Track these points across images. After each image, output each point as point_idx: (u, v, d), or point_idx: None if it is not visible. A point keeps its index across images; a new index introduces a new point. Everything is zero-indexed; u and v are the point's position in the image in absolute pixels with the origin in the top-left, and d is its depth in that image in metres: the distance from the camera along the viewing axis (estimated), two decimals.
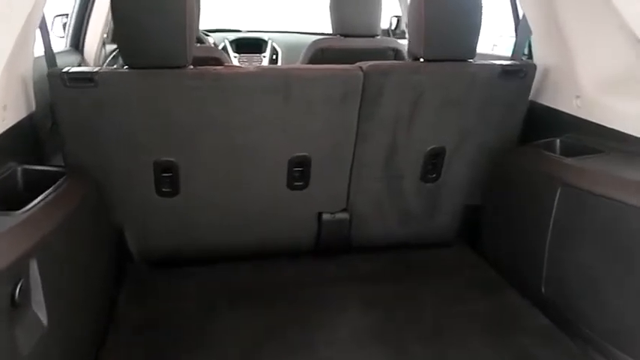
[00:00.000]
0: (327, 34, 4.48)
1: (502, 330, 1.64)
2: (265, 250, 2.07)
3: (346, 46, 3.04)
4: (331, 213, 2.08)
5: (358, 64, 1.87)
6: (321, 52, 3.02)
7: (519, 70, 1.93)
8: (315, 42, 3.10)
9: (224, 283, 1.92)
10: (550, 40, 1.96)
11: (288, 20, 5.13)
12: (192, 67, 1.73)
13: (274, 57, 4.32)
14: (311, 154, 1.91)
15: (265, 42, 4.33)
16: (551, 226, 1.66)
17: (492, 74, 1.92)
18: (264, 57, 4.28)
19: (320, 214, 2.07)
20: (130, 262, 1.99)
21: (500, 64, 1.93)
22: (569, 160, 1.68)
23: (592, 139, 1.80)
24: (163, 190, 1.86)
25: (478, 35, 1.90)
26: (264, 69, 1.80)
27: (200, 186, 1.89)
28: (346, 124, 1.89)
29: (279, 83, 1.76)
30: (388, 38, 3.28)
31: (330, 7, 3.11)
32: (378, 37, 3.14)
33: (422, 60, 1.91)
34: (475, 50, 1.91)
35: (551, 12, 1.90)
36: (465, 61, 1.92)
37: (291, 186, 1.96)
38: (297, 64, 1.91)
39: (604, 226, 1.50)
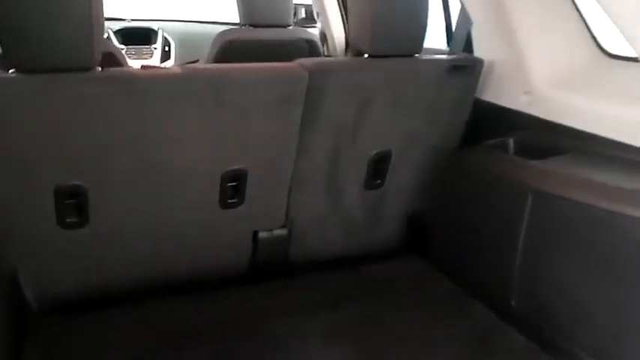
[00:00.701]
0: (226, 23, 4.17)
1: (479, 351, 1.50)
2: (196, 281, 1.76)
3: (257, 37, 2.78)
4: (268, 230, 1.83)
5: (298, 61, 1.62)
6: (229, 45, 2.72)
7: (467, 66, 1.80)
8: (222, 34, 2.79)
9: (153, 326, 1.59)
10: (494, 31, 1.84)
11: (178, 7, 4.69)
12: (99, 69, 1.38)
13: (167, 49, 3.91)
14: (247, 167, 1.64)
15: (155, 32, 3.89)
16: (522, 235, 1.54)
17: (441, 70, 1.77)
18: (154, 49, 3.85)
19: (256, 233, 1.81)
20: (28, 313, 1.58)
21: (448, 59, 1.78)
22: (538, 164, 1.57)
23: (546, 137, 1.71)
24: (67, 220, 1.49)
25: (426, 28, 1.73)
26: (190, 70, 1.49)
27: (114, 213, 1.54)
28: (287, 132, 1.64)
29: (209, 86, 1.46)
30: (300, 29, 3.04)
31: None
32: (290, 28, 2.90)
33: (366, 56, 1.71)
34: (422, 44, 1.75)
35: (494, 1, 1.78)
36: (412, 56, 1.74)
37: (224, 204, 1.68)
38: (234, 64, 1.60)
39: (582, 235, 1.41)
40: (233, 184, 1.66)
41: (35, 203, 1.44)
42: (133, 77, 1.40)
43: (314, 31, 3.25)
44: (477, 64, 1.82)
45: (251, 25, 2.80)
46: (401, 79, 1.74)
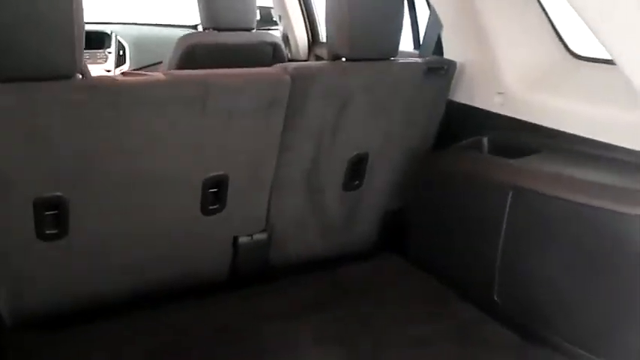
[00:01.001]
0: (181, 26, 4.09)
1: (467, 346, 1.54)
2: (178, 289, 1.72)
3: (221, 41, 2.74)
4: (249, 235, 1.81)
5: (279, 66, 1.62)
6: (193, 49, 2.67)
7: (441, 68, 1.84)
8: (185, 37, 2.73)
9: (137, 337, 1.53)
10: (465, 35, 1.89)
11: (130, 10, 4.57)
12: (80, 76, 1.33)
13: (121, 53, 3.79)
14: (229, 173, 1.62)
15: (109, 36, 3.77)
16: (503, 232, 1.58)
17: (416, 73, 1.80)
18: (109, 53, 3.73)
19: (236, 238, 1.79)
20: (2, 329, 1.50)
21: (423, 62, 1.82)
22: (517, 162, 1.62)
23: (518, 136, 1.77)
24: (47, 232, 1.43)
25: (401, 31, 1.76)
26: (175, 76, 1.46)
27: (95, 223, 1.49)
28: (269, 137, 1.63)
29: (194, 93, 1.44)
30: (263, 32, 3.02)
31: None
32: (254, 31, 2.88)
33: (344, 59, 1.72)
34: (398, 48, 1.78)
35: (465, 5, 1.83)
36: (388, 59, 1.77)
37: (205, 211, 1.65)
38: (219, 70, 1.57)
39: (562, 229, 1.46)
40: (214, 190, 1.64)
41: (13, 216, 1.37)
42: (116, 85, 1.36)
43: (275, 34, 3.25)
44: (450, 66, 1.87)
45: (214, 29, 2.76)
46: (378, 82, 1.76)
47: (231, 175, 1.63)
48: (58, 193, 1.39)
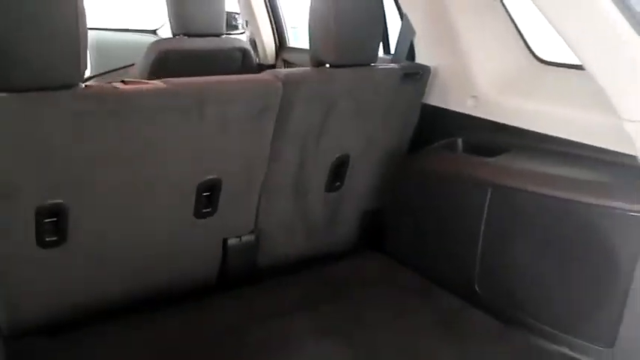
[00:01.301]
0: (142, 31, 4.06)
1: (454, 335, 1.64)
2: (172, 292, 1.74)
3: (193, 47, 2.77)
4: (238, 237, 1.86)
5: (270, 72, 1.68)
6: (165, 55, 2.69)
7: (417, 73, 1.94)
8: (157, 43, 2.76)
9: (136, 342, 1.55)
10: (437, 41, 2.00)
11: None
12: (83, 85, 1.35)
13: None
14: (222, 177, 1.67)
15: None
16: (482, 226, 1.70)
17: (394, 78, 1.89)
18: None
19: (225, 240, 1.83)
20: (0, 337, 1.49)
21: (400, 68, 1.92)
22: (494, 161, 1.74)
23: (490, 137, 1.89)
24: (47, 239, 1.44)
25: (380, 38, 1.86)
26: (175, 84, 1.49)
27: (93, 229, 1.51)
28: (261, 141, 1.69)
29: (193, 100, 1.48)
30: (232, 37, 3.07)
31: (168, 3, 2.79)
32: (224, 37, 2.92)
33: (328, 66, 1.80)
34: (377, 54, 1.87)
35: (437, 12, 1.94)
36: (369, 65, 1.86)
37: (198, 214, 1.69)
38: (214, 77, 1.61)
39: (538, 221, 1.59)
40: (207, 194, 1.68)
41: (15, 224, 1.37)
42: (118, 94, 1.38)
43: (241, 38, 3.29)
44: (425, 71, 1.97)
45: (185, 35, 2.79)
46: (360, 87, 1.85)
47: (225, 179, 1.67)
48: (59, 201, 1.40)
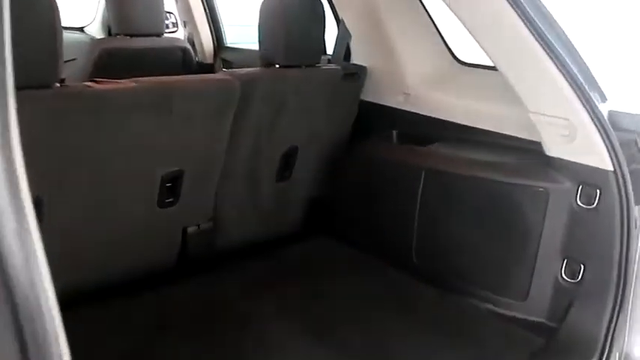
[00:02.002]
0: (69, 28, 4.03)
1: (399, 305, 1.85)
2: (134, 279, 1.85)
3: (134, 46, 2.86)
4: (197, 225, 2.01)
5: (229, 72, 1.85)
6: (107, 54, 2.76)
7: (355, 73, 2.18)
8: (98, 42, 2.83)
9: (104, 335, 1.61)
10: (371, 43, 2.25)
11: None
12: (58, 85, 1.45)
13: None
14: (184, 168, 1.82)
15: None
16: (418, 205, 1.96)
17: (335, 77, 2.12)
18: None
19: (185, 229, 1.98)
20: None
21: (342, 68, 2.15)
22: (425, 149, 2.01)
23: (420, 128, 2.16)
24: None
25: (324, 42, 2.07)
26: (144, 83, 1.61)
27: (66, 220, 1.60)
28: (220, 136, 1.85)
29: (162, 98, 1.62)
30: (172, 37, 3.17)
31: (108, 2, 2.86)
32: (164, 36, 3.02)
33: (277, 66, 1.99)
34: (321, 56, 2.08)
35: (371, 17, 2.19)
36: (314, 66, 2.07)
37: (161, 204, 1.83)
38: (180, 77, 1.75)
39: (467, 199, 1.87)
40: (169, 184, 1.82)
41: None
42: (93, 92, 1.50)
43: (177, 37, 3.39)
44: (362, 71, 2.21)
45: (125, 34, 2.86)
46: (306, 85, 2.06)
47: (187, 170, 1.82)
48: (36, 194, 1.49)
